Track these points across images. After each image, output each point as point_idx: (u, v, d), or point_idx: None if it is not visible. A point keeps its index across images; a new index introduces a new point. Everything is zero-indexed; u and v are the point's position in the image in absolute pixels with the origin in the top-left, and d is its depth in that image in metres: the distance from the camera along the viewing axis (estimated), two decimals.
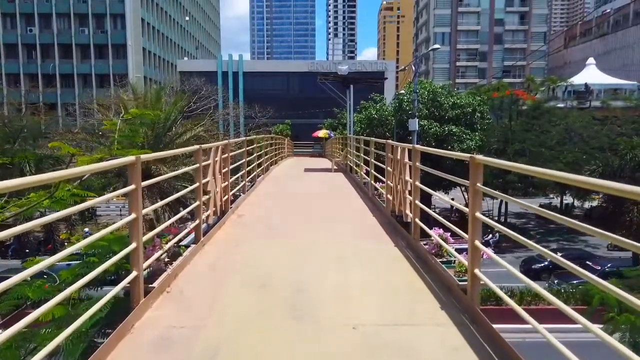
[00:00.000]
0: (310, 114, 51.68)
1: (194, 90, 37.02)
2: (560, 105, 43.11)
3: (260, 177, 12.57)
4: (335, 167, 16.66)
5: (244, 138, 9.27)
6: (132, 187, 3.51)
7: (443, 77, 78.38)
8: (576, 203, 39.74)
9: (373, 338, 3.28)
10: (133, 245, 3.53)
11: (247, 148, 9.83)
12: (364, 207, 8.75)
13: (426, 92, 30.31)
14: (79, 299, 5.23)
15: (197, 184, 5.48)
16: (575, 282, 20.65)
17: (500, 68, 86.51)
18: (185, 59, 69.47)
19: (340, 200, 10.19)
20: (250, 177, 10.52)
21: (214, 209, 6.34)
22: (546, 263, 24.30)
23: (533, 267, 24.24)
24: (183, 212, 5.21)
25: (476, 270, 3.55)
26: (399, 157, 6.67)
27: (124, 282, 3.47)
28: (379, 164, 9.84)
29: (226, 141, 7.44)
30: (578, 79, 59.36)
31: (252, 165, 11.25)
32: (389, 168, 7.61)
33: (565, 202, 41.34)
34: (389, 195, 7.53)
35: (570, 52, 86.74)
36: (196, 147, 5.44)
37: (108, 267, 4.32)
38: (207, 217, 6.05)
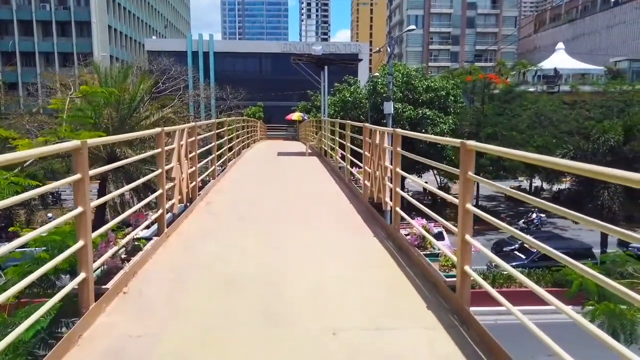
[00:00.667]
0: (284, 97, 50.86)
1: (162, 70, 35.76)
2: (532, 89, 43.55)
3: (232, 161, 12.06)
4: (309, 151, 16.26)
5: (214, 120, 8.75)
6: (78, 176, 3.03)
7: (416, 61, 78.33)
8: (545, 186, 40.51)
9: (355, 345, 2.94)
10: (80, 243, 3.07)
11: (218, 131, 9.32)
12: (340, 193, 8.40)
13: (400, 75, 30.01)
14: (29, 299, 4.72)
15: (159, 170, 5.00)
16: (514, 264, 20.96)
17: (472, 52, 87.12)
18: (154, 38, 67.20)
19: (315, 185, 9.81)
20: (220, 161, 10.02)
21: (179, 196, 5.87)
22: (516, 245, 24.66)
23: (504, 249, 24.57)
24: (140, 204, 4.70)
25: (466, 267, 3.24)
26: (377, 142, 6.31)
27: (70, 286, 3.01)
28: (355, 148, 9.49)
29: (193, 124, 6.93)
30: (547, 64, 60.19)
31: (223, 149, 10.74)
32: (366, 153, 7.26)
33: (534, 184, 42.11)
34: (366, 182, 7.19)
35: (540, 37, 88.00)
36: (158, 129, 4.94)
37: (60, 265, 3.84)
38: (172, 205, 5.59)
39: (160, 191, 5.03)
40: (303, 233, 5.63)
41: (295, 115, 34.24)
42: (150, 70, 35.77)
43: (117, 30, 59.50)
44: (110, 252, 3.65)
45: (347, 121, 9.43)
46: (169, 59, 39.47)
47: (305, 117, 33.75)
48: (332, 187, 9.25)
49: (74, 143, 3.01)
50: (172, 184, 5.57)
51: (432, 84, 29.81)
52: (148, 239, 4.74)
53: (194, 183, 6.92)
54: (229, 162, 11.16)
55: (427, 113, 29.15)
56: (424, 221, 4.72)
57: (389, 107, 18.42)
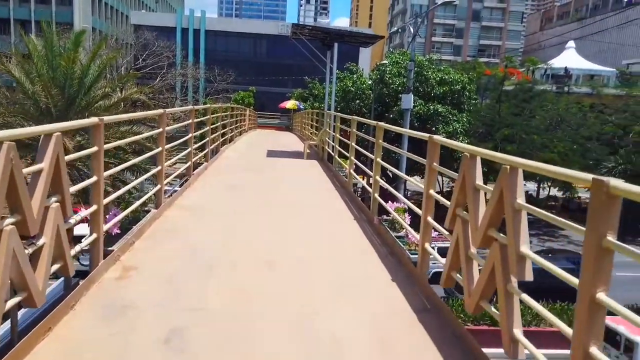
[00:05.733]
0: (278, 82, 47.22)
1: (143, 45, 31.92)
2: (548, 88, 40.37)
3: (202, 166, 8.60)
4: (307, 151, 12.79)
5: (161, 110, 5.23)
6: None
7: (418, 52, 74.76)
8: (557, 194, 37.47)
9: None
10: None
11: (169, 127, 5.82)
12: (368, 248, 4.90)
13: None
14: None
15: None
16: None
17: (476, 46, 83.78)
18: (143, 11, 62.74)
19: (322, 224, 6.10)
20: (172, 176, 6.47)
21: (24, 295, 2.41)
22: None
23: None
24: None
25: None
26: (478, 183, 2.93)
27: None
28: (385, 164, 6.08)
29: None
30: (558, 62, 57.03)
31: (180, 155, 7.24)
32: (432, 191, 3.84)
33: (545, 191, 39.10)
34: (426, 245, 3.79)
35: (546, 35, 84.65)
36: None
37: None
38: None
39: None
40: None
41: (289, 104, 30.78)
42: (128, 44, 31.96)
43: (101, 1, 55.04)
44: None
45: (380, 123, 5.86)
46: (152, 34, 35.46)
47: (301, 107, 30.26)
48: (350, 227, 5.76)
49: None
50: None
51: (447, 77, 26.38)
52: None
53: (92, 237, 3.47)
54: (193, 171, 7.65)
55: (440, 109, 25.77)
56: None
57: (408, 101, 14.90)
